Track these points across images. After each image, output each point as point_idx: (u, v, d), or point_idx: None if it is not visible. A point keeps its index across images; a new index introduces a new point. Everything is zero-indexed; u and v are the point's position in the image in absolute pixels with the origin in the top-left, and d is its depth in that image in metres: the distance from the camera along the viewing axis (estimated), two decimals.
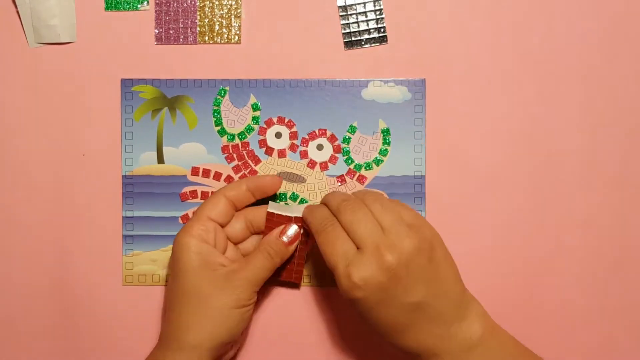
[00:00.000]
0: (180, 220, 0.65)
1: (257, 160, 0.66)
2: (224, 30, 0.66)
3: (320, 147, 0.65)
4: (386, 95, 0.65)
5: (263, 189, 0.62)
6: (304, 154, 0.66)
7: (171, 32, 0.66)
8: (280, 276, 0.63)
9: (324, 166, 0.66)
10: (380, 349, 0.65)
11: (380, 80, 0.65)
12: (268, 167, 0.65)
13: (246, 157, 0.65)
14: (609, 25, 0.65)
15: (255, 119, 0.65)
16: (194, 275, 0.58)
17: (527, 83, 0.65)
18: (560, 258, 0.65)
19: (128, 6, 0.66)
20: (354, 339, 0.66)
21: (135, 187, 0.65)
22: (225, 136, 0.65)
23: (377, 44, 0.66)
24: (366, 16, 0.65)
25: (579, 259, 0.65)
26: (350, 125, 0.65)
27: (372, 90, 0.65)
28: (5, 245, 0.66)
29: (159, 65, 0.66)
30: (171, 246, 0.61)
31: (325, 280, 0.65)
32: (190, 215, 0.65)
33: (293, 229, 0.61)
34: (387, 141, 0.65)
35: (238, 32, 0.66)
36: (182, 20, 0.66)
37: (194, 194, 0.65)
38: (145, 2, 0.66)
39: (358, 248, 0.56)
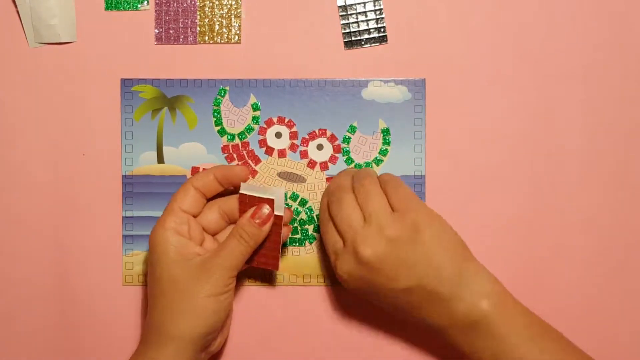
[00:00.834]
0: None
1: (257, 160, 0.66)
2: (224, 30, 0.66)
3: (320, 147, 0.65)
4: (386, 95, 0.65)
5: (230, 179, 0.61)
6: (304, 154, 0.66)
7: (171, 32, 0.66)
8: (255, 263, 0.62)
9: (324, 166, 0.65)
10: (377, 349, 0.65)
11: (380, 80, 0.65)
12: (268, 167, 0.65)
13: (246, 157, 0.65)
14: (609, 25, 0.65)
15: (255, 119, 0.65)
16: (169, 267, 0.58)
17: (527, 83, 0.65)
18: (560, 258, 0.65)
19: (128, 6, 0.66)
20: (349, 339, 0.66)
21: (135, 187, 0.65)
22: (225, 136, 0.65)
23: (377, 44, 0.66)
24: (366, 16, 0.65)
25: (579, 258, 0.65)
26: (350, 125, 0.65)
27: (372, 90, 0.65)
28: (5, 245, 0.66)
29: (159, 65, 0.66)
30: None
31: (322, 280, 0.65)
32: None
33: (265, 210, 0.60)
34: (387, 141, 0.65)
35: (238, 32, 0.65)
36: (182, 20, 0.66)
37: None
38: (145, 2, 0.66)
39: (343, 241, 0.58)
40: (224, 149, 0.65)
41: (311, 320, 0.66)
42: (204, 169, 0.65)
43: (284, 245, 0.65)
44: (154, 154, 0.65)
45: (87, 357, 0.66)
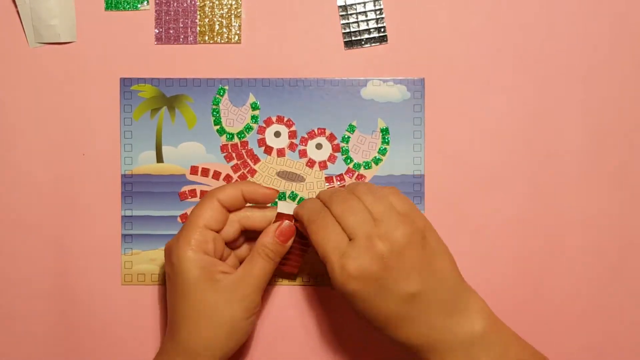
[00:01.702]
0: (179, 220, 0.65)
1: (256, 160, 0.65)
2: (224, 30, 0.66)
3: (319, 146, 0.65)
4: (385, 94, 0.65)
5: (256, 199, 0.60)
6: (303, 153, 0.65)
7: (171, 31, 0.66)
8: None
9: (323, 165, 0.65)
10: (376, 349, 0.65)
11: (380, 80, 0.65)
12: (267, 166, 0.65)
13: (245, 156, 0.65)
14: (609, 26, 0.65)
15: (254, 118, 0.65)
16: (197, 289, 0.57)
17: (526, 82, 0.65)
18: (560, 258, 0.65)
19: (128, 6, 0.66)
20: (349, 339, 0.65)
21: (134, 187, 0.65)
22: (224, 135, 0.65)
23: (377, 44, 0.66)
24: (366, 16, 0.65)
25: (579, 258, 0.65)
26: (350, 125, 0.65)
27: (371, 89, 0.65)
28: (5, 244, 0.66)
29: (159, 65, 0.66)
30: None
31: (320, 279, 0.65)
32: (189, 214, 0.65)
33: (286, 225, 0.60)
34: (386, 140, 0.65)
35: (238, 32, 0.66)
36: (182, 20, 0.66)
37: (193, 193, 0.65)
38: (145, 2, 0.66)
39: (350, 239, 0.55)
40: (223, 148, 0.65)
41: (310, 320, 0.66)
42: (203, 168, 0.65)
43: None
44: (153, 153, 0.65)
45: (86, 356, 0.66)
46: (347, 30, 0.66)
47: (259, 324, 0.65)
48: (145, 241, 0.65)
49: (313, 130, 0.65)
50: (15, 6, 0.65)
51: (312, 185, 0.65)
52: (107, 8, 0.66)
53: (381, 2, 0.65)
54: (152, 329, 0.65)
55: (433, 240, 0.56)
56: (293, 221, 0.60)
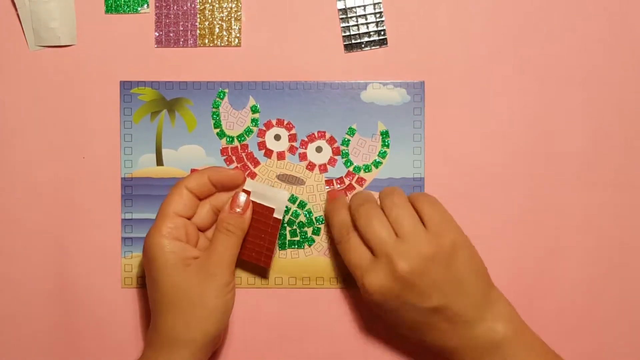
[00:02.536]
0: None
1: (256, 163, 0.65)
2: (224, 33, 0.66)
3: (319, 149, 0.65)
4: (385, 97, 0.65)
5: (226, 183, 0.61)
6: (303, 156, 0.65)
7: (171, 34, 0.66)
8: (246, 256, 0.62)
9: (323, 168, 0.65)
10: (380, 348, 0.65)
11: (379, 83, 0.65)
12: (267, 169, 0.65)
13: (245, 160, 0.65)
14: (609, 27, 0.65)
15: (254, 121, 0.65)
16: (172, 276, 0.57)
17: (526, 85, 0.65)
18: (560, 258, 0.65)
19: (128, 9, 0.66)
20: (358, 340, 0.65)
21: (135, 190, 0.65)
22: (224, 138, 0.65)
23: (377, 47, 0.66)
24: (366, 19, 0.65)
25: (579, 259, 0.65)
26: (350, 128, 0.65)
27: (371, 92, 0.65)
28: (5, 247, 0.66)
29: (159, 68, 0.66)
30: None
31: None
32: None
33: (242, 198, 0.60)
34: (386, 143, 0.65)
35: (238, 35, 0.66)
36: (182, 23, 0.66)
37: None
38: (146, 5, 0.66)
39: (373, 254, 0.58)
40: (223, 151, 0.65)
41: (310, 322, 0.66)
42: None
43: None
44: (153, 156, 0.65)
45: (85, 358, 0.66)
46: (347, 33, 0.66)
47: (258, 326, 0.65)
48: None
49: (313, 134, 0.65)
50: (16, 9, 0.65)
51: (312, 188, 0.65)
52: (107, 11, 0.66)
53: (381, 5, 0.65)
54: None
55: (462, 255, 0.58)
56: (244, 192, 0.60)
